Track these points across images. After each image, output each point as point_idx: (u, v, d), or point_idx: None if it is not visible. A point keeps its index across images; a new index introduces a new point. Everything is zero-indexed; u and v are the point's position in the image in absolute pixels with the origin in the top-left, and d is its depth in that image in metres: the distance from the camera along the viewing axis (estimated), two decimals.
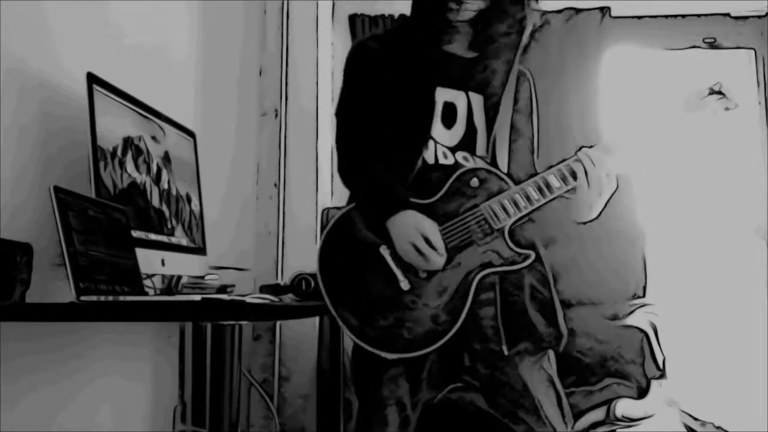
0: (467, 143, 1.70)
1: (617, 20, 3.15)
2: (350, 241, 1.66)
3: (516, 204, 1.62)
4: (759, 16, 3.07)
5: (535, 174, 1.65)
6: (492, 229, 1.62)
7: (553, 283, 1.73)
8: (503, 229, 1.62)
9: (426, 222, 1.61)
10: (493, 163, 1.69)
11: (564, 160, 1.64)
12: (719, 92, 1.68)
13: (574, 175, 1.61)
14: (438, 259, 1.59)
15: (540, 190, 1.63)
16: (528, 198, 1.63)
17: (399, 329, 1.59)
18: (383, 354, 1.60)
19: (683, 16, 3.08)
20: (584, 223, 1.68)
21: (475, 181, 1.65)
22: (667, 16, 3.10)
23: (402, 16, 2.82)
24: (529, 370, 1.68)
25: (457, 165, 1.68)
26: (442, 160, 1.68)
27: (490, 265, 1.61)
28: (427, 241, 1.59)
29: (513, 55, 1.73)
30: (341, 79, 1.80)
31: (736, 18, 3.11)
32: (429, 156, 1.69)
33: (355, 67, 1.79)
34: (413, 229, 1.59)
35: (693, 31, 3.11)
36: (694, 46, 3.10)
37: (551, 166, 1.65)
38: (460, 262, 1.61)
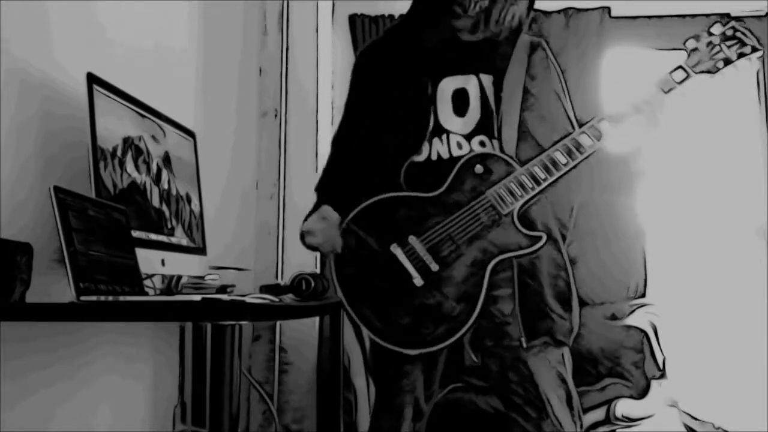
0: (484, 126, 1.68)
1: (617, 20, 3.14)
2: (359, 250, 1.67)
3: (522, 186, 1.60)
4: (759, 17, 3.06)
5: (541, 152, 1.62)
6: (500, 215, 1.60)
7: (571, 270, 1.71)
8: (512, 213, 1.60)
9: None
10: (499, 142, 1.65)
11: (568, 135, 1.61)
12: (733, 36, 1.66)
13: (580, 148, 1.59)
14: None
15: (546, 168, 1.59)
16: (534, 178, 1.60)
17: (418, 325, 1.60)
18: (405, 351, 1.60)
19: (683, 16, 3.08)
20: None
21: (479, 168, 1.63)
22: (667, 16, 3.09)
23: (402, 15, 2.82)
24: (540, 366, 1.67)
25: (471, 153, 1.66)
26: (456, 152, 1.67)
27: (501, 252, 1.59)
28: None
29: (517, 30, 1.72)
30: (345, 90, 1.81)
31: (736, 18, 3.10)
32: (443, 150, 1.68)
33: (356, 83, 1.80)
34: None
35: (693, 31, 3.10)
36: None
37: (555, 143, 1.61)
38: (472, 252, 1.60)
